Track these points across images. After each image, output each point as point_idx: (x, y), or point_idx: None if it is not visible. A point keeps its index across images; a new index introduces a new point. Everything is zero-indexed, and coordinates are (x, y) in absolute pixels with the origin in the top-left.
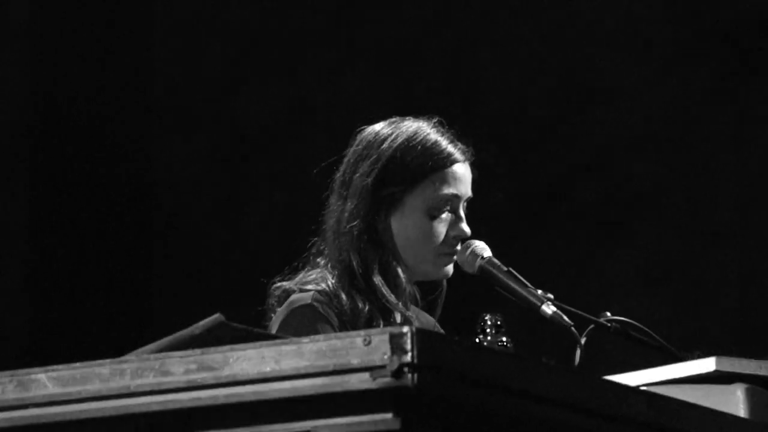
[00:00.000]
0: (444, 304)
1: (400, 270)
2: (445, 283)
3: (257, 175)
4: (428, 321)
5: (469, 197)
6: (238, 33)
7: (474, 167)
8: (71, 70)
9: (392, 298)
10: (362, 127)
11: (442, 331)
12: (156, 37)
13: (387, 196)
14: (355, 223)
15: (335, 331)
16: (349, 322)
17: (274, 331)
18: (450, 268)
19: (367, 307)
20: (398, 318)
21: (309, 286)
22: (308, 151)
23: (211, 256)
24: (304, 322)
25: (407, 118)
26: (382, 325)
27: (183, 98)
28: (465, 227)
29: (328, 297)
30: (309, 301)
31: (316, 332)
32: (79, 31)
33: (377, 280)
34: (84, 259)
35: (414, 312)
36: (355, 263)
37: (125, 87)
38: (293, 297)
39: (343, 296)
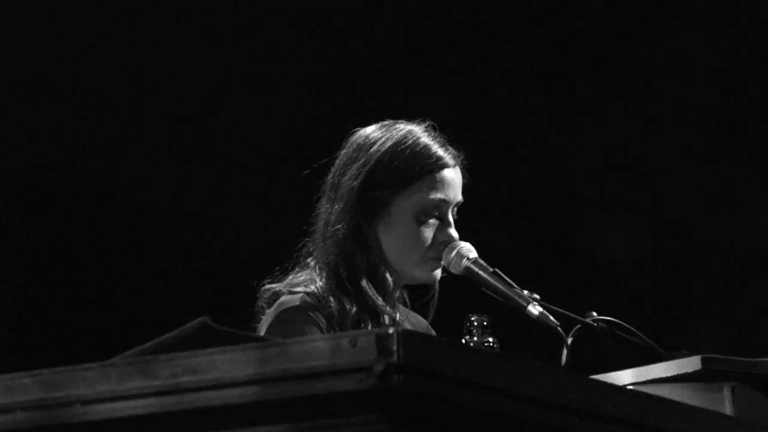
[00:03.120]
0: (437, 306)
1: (387, 273)
2: (437, 286)
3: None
4: (419, 323)
5: (459, 202)
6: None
7: (466, 171)
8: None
9: (379, 301)
10: (354, 130)
11: (434, 333)
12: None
13: (374, 199)
14: (340, 225)
15: (323, 333)
16: (337, 324)
17: (262, 332)
18: (438, 273)
19: (354, 309)
20: (387, 321)
21: (298, 288)
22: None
23: (199, 257)
24: (293, 324)
25: (399, 121)
26: (370, 327)
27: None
28: (453, 232)
29: (316, 299)
30: (297, 303)
31: (304, 334)
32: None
33: (364, 283)
34: (70, 263)
35: (404, 314)
36: (341, 266)
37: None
38: (282, 299)
39: (331, 298)
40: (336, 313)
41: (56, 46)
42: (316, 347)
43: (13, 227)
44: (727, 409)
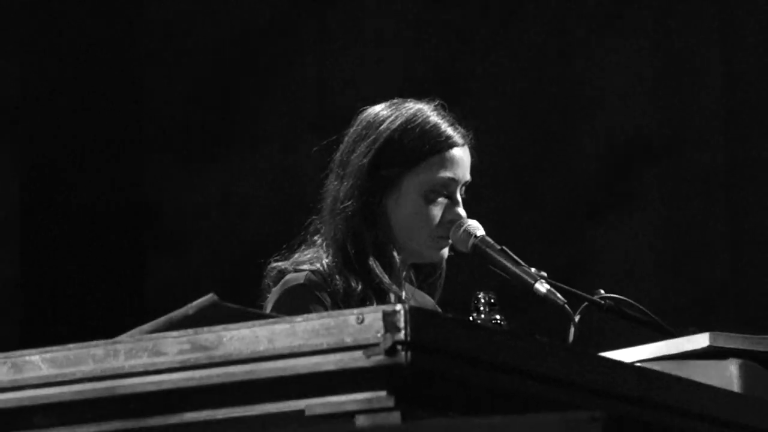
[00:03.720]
0: (444, 284)
1: (394, 252)
2: (444, 264)
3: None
4: (426, 301)
5: (467, 181)
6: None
7: (474, 151)
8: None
9: (386, 279)
10: (363, 108)
11: (440, 311)
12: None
13: (383, 177)
14: (350, 203)
15: (327, 311)
16: (342, 302)
17: (268, 310)
18: (445, 252)
19: (360, 287)
20: (392, 299)
21: (303, 266)
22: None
23: (206, 236)
24: (297, 301)
25: (408, 100)
26: (375, 305)
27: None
28: (461, 211)
29: (321, 277)
30: (302, 281)
31: (308, 312)
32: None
33: (371, 261)
34: (77, 241)
35: (410, 292)
36: (349, 243)
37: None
38: (287, 277)
39: (337, 276)
40: (341, 290)
41: None
42: (324, 324)
43: (23, 207)
44: (735, 386)
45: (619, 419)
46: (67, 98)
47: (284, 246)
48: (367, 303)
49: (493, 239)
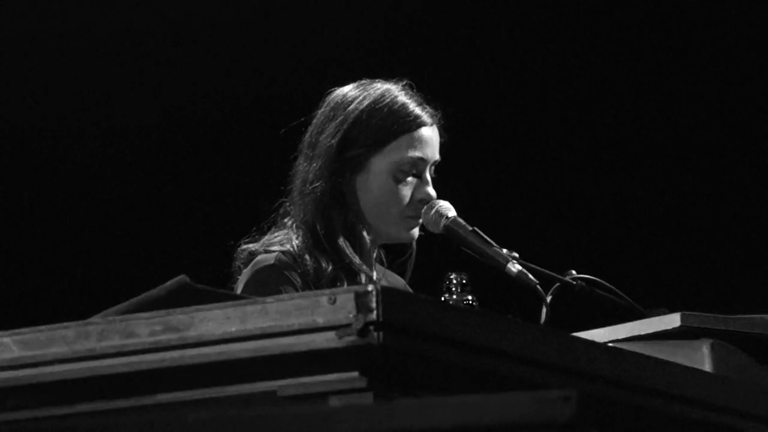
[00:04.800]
0: (415, 264)
1: (364, 232)
2: (414, 245)
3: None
4: (397, 281)
5: (436, 161)
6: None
7: (443, 131)
8: None
9: (356, 259)
10: (331, 89)
11: (411, 291)
12: None
13: (352, 157)
14: (319, 183)
15: (298, 292)
16: (313, 282)
17: (239, 292)
18: (416, 231)
19: (330, 268)
20: (363, 279)
21: (274, 248)
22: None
23: (177, 216)
24: (267, 282)
25: (377, 80)
26: (346, 286)
27: None
28: (430, 190)
29: (292, 258)
30: (272, 262)
31: (279, 293)
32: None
33: (341, 241)
34: (46, 224)
35: (381, 272)
36: (318, 224)
37: None
38: (257, 258)
39: (307, 257)
40: (312, 271)
41: None
42: (296, 305)
43: None
44: (707, 366)
45: (592, 398)
46: None
47: (254, 228)
48: (338, 284)
49: (464, 220)
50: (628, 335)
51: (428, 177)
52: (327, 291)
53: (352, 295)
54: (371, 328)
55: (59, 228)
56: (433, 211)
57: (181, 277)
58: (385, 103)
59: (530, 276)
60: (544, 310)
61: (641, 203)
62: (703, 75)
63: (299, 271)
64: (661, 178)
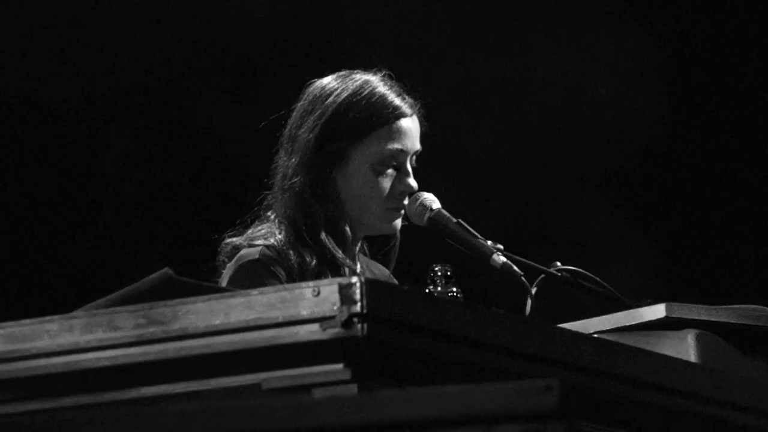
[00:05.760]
0: (399, 256)
1: (346, 226)
2: (398, 235)
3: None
4: (382, 272)
5: (417, 151)
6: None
7: (424, 120)
8: None
9: (339, 253)
10: (311, 81)
11: (396, 282)
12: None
13: (332, 151)
14: (298, 178)
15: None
16: (297, 276)
17: (223, 286)
18: (398, 223)
19: (314, 261)
20: (347, 273)
21: (258, 242)
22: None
23: (161, 209)
24: (252, 276)
25: (356, 71)
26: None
27: None
28: (412, 182)
29: (276, 252)
30: (257, 256)
31: (263, 287)
32: None
33: (323, 236)
34: (29, 219)
35: (364, 263)
36: (300, 219)
37: None
38: (241, 252)
39: (291, 251)
40: (296, 265)
41: None
42: (280, 297)
43: None
44: (691, 356)
45: (574, 388)
46: None
47: (238, 221)
48: (322, 277)
49: (448, 212)
50: (614, 326)
51: (409, 168)
52: (311, 283)
53: (336, 287)
54: (355, 319)
55: (42, 222)
56: (418, 203)
57: (165, 270)
58: (363, 95)
59: (515, 267)
60: (529, 301)
61: (627, 194)
62: None
63: (284, 265)
64: (644, 170)
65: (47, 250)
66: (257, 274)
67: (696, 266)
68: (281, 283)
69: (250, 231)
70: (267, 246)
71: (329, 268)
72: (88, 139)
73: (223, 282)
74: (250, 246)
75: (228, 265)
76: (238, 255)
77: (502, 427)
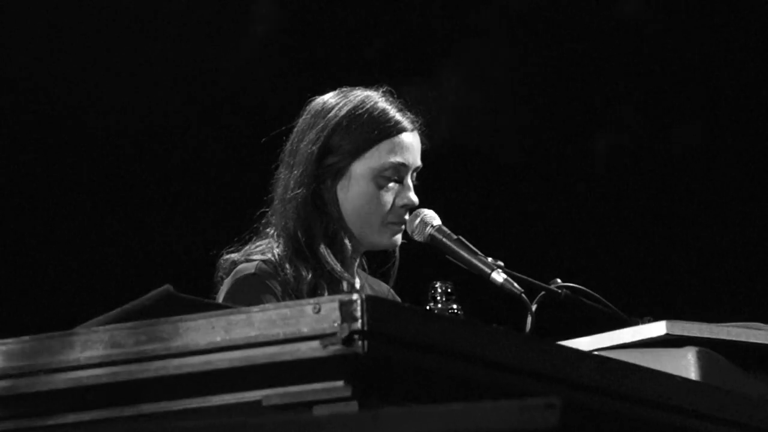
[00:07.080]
0: (399, 272)
1: (346, 239)
2: (398, 251)
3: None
4: (381, 288)
5: (418, 167)
6: None
7: (424, 137)
8: None
9: (338, 267)
10: (312, 98)
11: (397, 298)
12: None
13: (333, 164)
14: (300, 191)
15: (278, 300)
16: (293, 290)
17: (220, 302)
18: (398, 238)
19: (310, 275)
20: (345, 287)
21: (255, 257)
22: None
23: (161, 226)
24: (248, 291)
25: (356, 87)
26: (326, 294)
27: None
28: (413, 196)
29: (272, 266)
30: (252, 271)
31: (259, 302)
32: None
33: (322, 248)
34: (30, 234)
35: (363, 279)
36: (300, 232)
37: None
38: (238, 267)
39: (287, 265)
40: (292, 279)
41: None
42: (281, 314)
43: None
44: (692, 374)
45: (576, 407)
46: None
47: (236, 238)
48: (318, 291)
49: (449, 228)
50: (614, 343)
51: (410, 183)
52: (312, 300)
53: (336, 304)
54: (356, 337)
55: (43, 238)
56: (418, 220)
57: (166, 287)
58: (365, 109)
59: (515, 284)
60: (529, 318)
61: (627, 213)
62: None
63: (279, 279)
64: (646, 189)
65: (48, 267)
66: (253, 288)
67: (696, 283)
68: (276, 297)
69: (248, 246)
70: (263, 261)
71: (326, 281)
72: (87, 153)
73: (220, 297)
74: (247, 261)
75: (225, 280)
76: (234, 270)
77: None
